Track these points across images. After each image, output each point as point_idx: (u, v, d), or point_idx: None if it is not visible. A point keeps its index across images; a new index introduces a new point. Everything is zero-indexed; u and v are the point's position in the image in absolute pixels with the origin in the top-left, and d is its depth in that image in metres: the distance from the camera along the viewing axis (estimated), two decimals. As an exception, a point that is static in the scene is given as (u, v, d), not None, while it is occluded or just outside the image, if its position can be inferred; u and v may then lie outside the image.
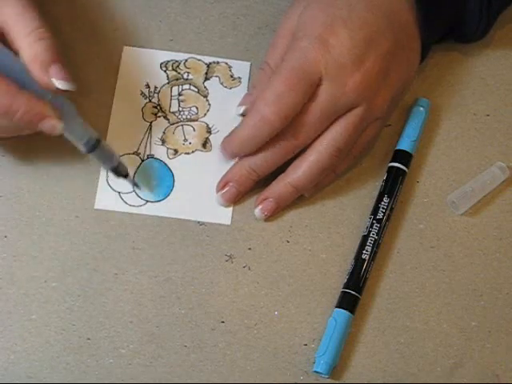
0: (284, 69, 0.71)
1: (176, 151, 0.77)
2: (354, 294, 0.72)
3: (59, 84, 0.68)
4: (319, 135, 0.72)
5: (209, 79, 0.79)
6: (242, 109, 0.76)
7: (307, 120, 0.71)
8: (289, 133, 0.72)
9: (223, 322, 0.72)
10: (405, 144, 0.77)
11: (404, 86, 0.76)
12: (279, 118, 0.70)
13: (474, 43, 0.80)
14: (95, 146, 0.71)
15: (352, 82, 0.71)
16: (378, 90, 0.72)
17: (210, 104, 0.78)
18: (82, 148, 0.71)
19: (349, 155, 0.74)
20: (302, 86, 0.70)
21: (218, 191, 0.74)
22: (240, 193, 0.74)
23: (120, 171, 0.73)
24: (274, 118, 0.70)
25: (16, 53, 0.68)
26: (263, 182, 0.75)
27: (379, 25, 0.72)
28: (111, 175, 0.74)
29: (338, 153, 0.72)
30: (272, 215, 0.74)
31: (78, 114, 0.70)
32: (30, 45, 0.68)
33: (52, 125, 0.68)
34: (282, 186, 0.74)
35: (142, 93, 0.78)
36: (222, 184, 0.74)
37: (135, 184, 0.74)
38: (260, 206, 0.74)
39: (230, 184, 0.74)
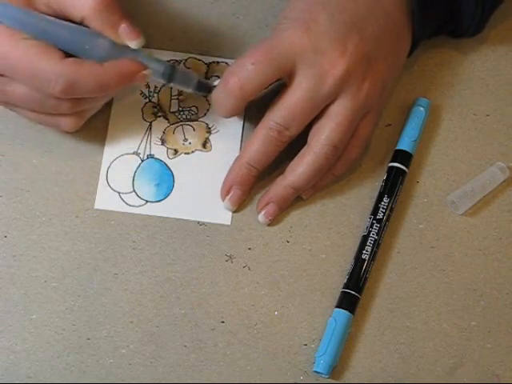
0: (256, 45, 0.71)
1: (176, 151, 0.77)
2: (353, 294, 0.72)
3: (133, 44, 0.70)
4: (315, 133, 0.72)
5: (209, 79, 0.79)
6: (216, 80, 0.76)
7: (294, 109, 0.71)
8: (279, 123, 0.71)
9: (223, 322, 0.72)
10: (405, 144, 0.77)
11: (394, 74, 0.75)
12: (238, 88, 0.70)
13: (474, 43, 0.80)
14: (172, 73, 0.72)
15: (333, 68, 0.70)
16: (364, 77, 0.72)
17: (209, 104, 0.78)
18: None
19: (347, 157, 0.74)
20: (269, 63, 0.70)
21: (223, 197, 0.74)
22: (245, 193, 0.74)
23: (204, 87, 0.74)
24: (235, 88, 0.70)
25: (80, 23, 0.69)
26: (262, 179, 0.75)
27: (361, 10, 0.72)
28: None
29: (334, 151, 0.72)
30: (275, 218, 0.75)
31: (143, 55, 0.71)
32: (94, 11, 0.68)
33: (143, 75, 0.71)
34: (281, 188, 0.74)
35: (142, 93, 0.78)
36: (226, 189, 0.74)
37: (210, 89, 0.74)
38: (263, 212, 0.74)
39: (234, 187, 0.74)
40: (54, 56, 0.67)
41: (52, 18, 0.69)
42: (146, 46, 0.78)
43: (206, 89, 0.74)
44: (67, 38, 0.69)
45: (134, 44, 0.70)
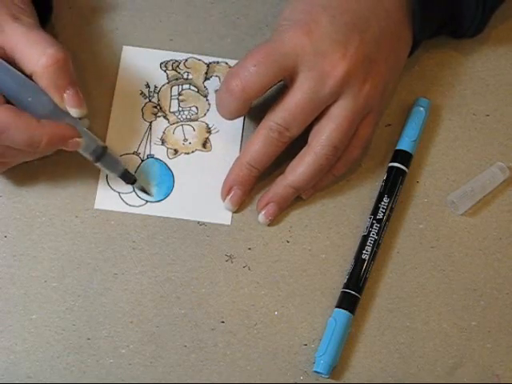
0: (258, 46, 0.71)
1: (176, 151, 0.77)
2: (353, 294, 0.72)
3: (73, 112, 0.70)
4: (315, 133, 0.72)
5: (209, 79, 0.79)
6: (216, 82, 0.76)
7: (295, 110, 0.71)
8: (280, 124, 0.71)
9: (223, 322, 0.72)
10: (405, 144, 0.77)
11: (394, 76, 0.75)
12: (239, 90, 0.70)
13: (474, 43, 0.80)
14: (102, 154, 0.72)
15: (334, 69, 0.70)
16: (364, 78, 0.72)
17: (209, 104, 0.78)
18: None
19: (347, 157, 0.74)
20: (270, 65, 0.70)
21: (224, 197, 0.74)
22: (245, 193, 0.74)
23: (128, 177, 0.74)
24: (237, 89, 0.70)
25: (29, 76, 0.69)
26: (262, 180, 0.75)
27: (362, 11, 0.72)
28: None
29: (335, 151, 0.72)
30: (275, 218, 0.75)
31: (81, 125, 0.71)
32: (44, 69, 0.68)
33: (76, 142, 0.70)
34: (281, 188, 0.74)
35: (142, 92, 0.78)
36: (227, 189, 0.74)
37: (143, 190, 0.74)
38: (263, 212, 0.74)
39: (235, 187, 0.74)
40: None
41: (2, 61, 0.68)
42: (146, 46, 0.79)
43: (129, 180, 0.74)
44: (13, 85, 0.68)
45: (74, 112, 0.70)
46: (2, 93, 0.68)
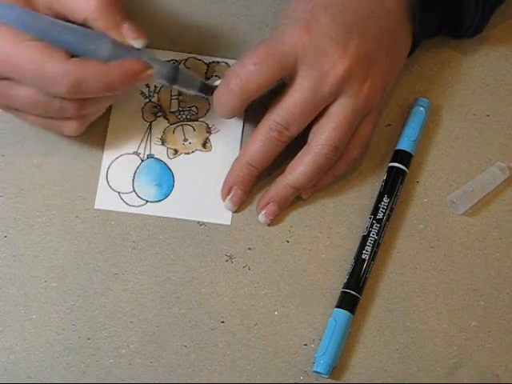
0: (258, 45, 0.71)
1: (176, 151, 0.77)
2: (353, 294, 0.72)
3: (136, 44, 0.70)
4: (315, 133, 0.72)
5: (209, 79, 0.79)
6: (217, 81, 0.76)
7: (294, 110, 0.71)
8: (279, 123, 0.71)
9: (223, 322, 0.72)
10: (405, 144, 0.77)
11: (394, 75, 0.75)
12: (239, 89, 0.70)
13: (474, 43, 0.80)
14: (176, 74, 0.72)
15: (334, 68, 0.70)
16: (364, 77, 0.72)
17: (209, 104, 0.78)
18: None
19: (347, 157, 0.74)
20: (270, 63, 0.70)
21: (224, 197, 0.74)
22: (246, 193, 0.74)
23: (208, 89, 0.74)
24: (237, 88, 0.71)
25: (83, 24, 0.69)
26: (262, 180, 0.75)
27: (362, 10, 0.72)
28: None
29: (334, 150, 0.72)
30: (275, 218, 0.75)
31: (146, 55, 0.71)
32: (96, 12, 0.68)
33: (148, 75, 0.70)
34: (281, 188, 0.74)
35: (142, 92, 0.78)
36: (227, 189, 0.74)
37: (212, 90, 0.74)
38: (263, 212, 0.74)
39: (235, 187, 0.74)
40: (59, 56, 0.67)
41: (55, 20, 0.69)
42: (146, 47, 0.79)
43: (208, 91, 0.74)
44: (71, 38, 0.69)
45: (137, 43, 0.70)
46: (64, 49, 0.68)
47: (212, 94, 0.74)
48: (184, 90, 0.74)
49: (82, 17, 0.68)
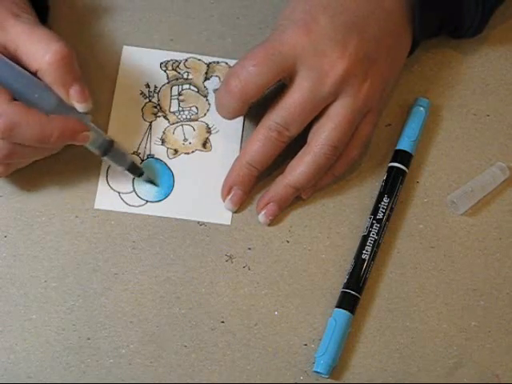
0: (257, 46, 0.71)
1: (176, 151, 0.77)
2: (353, 294, 0.72)
3: (80, 107, 0.70)
4: (315, 133, 0.72)
5: (209, 79, 0.79)
6: (216, 82, 0.76)
7: (294, 110, 0.71)
8: (279, 123, 0.72)
9: (223, 322, 0.72)
10: (405, 144, 0.77)
11: (394, 75, 0.75)
12: (238, 90, 0.70)
13: (474, 43, 0.80)
14: (109, 147, 0.72)
15: (333, 69, 0.70)
16: (364, 77, 0.72)
17: (209, 104, 0.78)
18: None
19: (347, 157, 0.74)
20: (270, 64, 0.70)
21: (224, 197, 0.74)
22: (246, 193, 0.74)
23: (135, 170, 0.74)
24: (236, 89, 0.71)
25: (34, 73, 0.69)
26: (262, 180, 0.75)
27: (361, 11, 0.72)
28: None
29: (334, 150, 0.72)
30: (275, 218, 0.75)
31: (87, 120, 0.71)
32: (49, 66, 0.68)
33: (85, 136, 0.70)
34: (281, 188, 0.74)
35: (142, 92, 0.78)
36: (227, 189, 0.74)
37: (150, 181, 0.75)
38: (263, 212, 0.74)
39: (235, 187, 0.74)
40: (1, 95, 0.67)
41: (7, 60, 0.68)
42: (146, 46, 0.79)
43: (136, 172, 0.74)
44: (19, 83, 0.68)
45: (80, 107, 0.70)
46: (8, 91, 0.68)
47: (140, 176, 0.74)
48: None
49: (35, 67, 0.68)
